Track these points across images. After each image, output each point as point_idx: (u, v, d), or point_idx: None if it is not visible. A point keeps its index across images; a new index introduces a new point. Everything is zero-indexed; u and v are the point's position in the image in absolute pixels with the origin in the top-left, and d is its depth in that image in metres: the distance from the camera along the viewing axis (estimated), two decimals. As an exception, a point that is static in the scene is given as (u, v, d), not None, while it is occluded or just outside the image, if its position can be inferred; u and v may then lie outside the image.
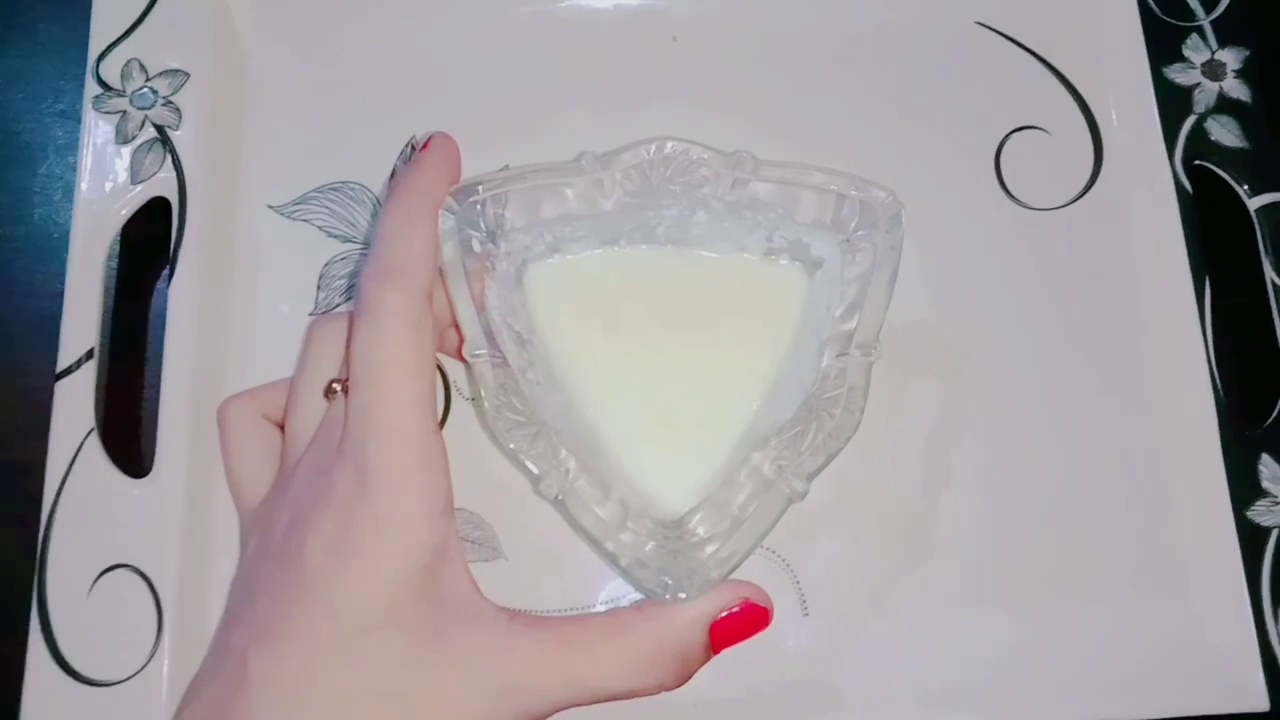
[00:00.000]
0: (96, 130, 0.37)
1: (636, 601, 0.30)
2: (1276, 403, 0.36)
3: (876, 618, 0.34)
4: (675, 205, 0.32)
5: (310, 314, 0.36)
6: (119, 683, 0.32)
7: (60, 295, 0.35)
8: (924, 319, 0.36)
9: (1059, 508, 0.35)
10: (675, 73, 0.39)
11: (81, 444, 0.34)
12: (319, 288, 0.37)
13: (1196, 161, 0.37)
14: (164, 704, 0.32)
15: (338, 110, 0.38)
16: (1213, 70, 0.38)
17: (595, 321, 0.33)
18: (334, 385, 0.30)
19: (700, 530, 0.29)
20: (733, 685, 0.32)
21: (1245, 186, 0.37)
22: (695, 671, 0.29)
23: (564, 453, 0.29)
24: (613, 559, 0.28)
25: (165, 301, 0.35)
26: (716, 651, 0.29)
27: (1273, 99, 0.38)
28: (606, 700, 0.28)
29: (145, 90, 0.37)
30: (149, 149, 0.37)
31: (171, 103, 0.37)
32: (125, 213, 0.36)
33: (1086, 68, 0.39)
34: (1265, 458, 0.35)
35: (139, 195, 0.36)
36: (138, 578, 0.33)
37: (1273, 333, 0.36)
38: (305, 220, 0.37)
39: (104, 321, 0.35)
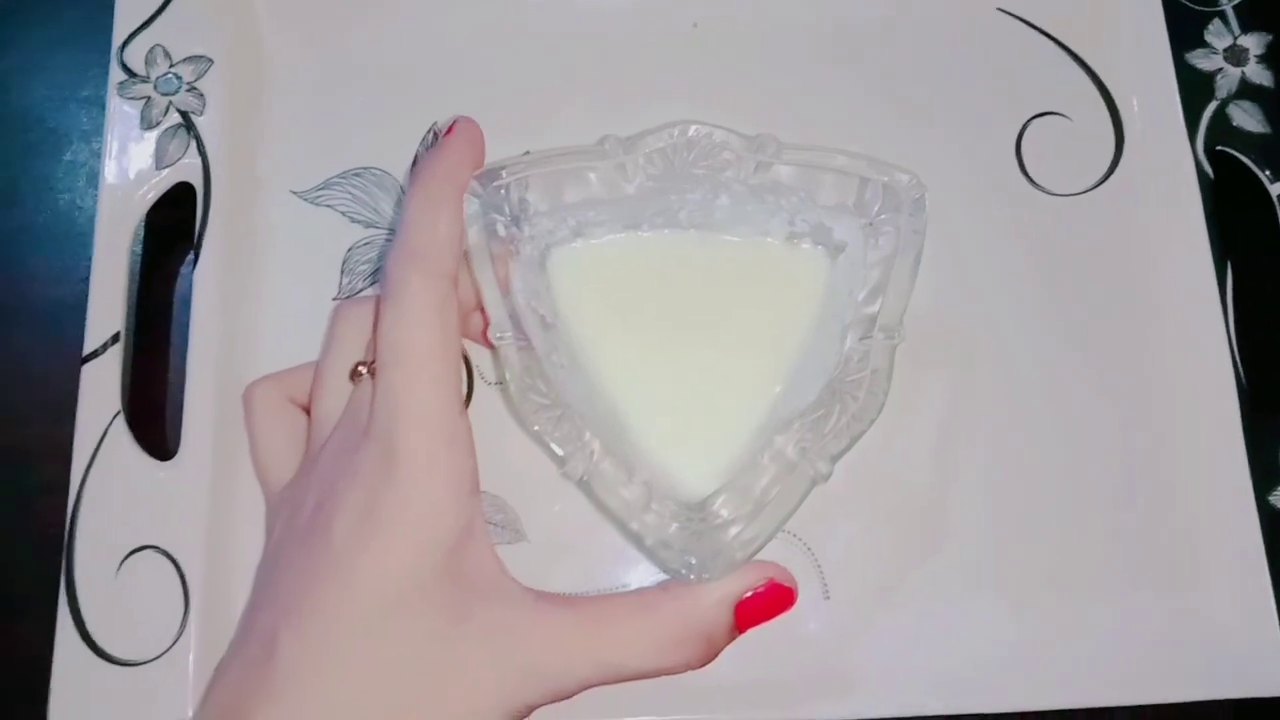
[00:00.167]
0: (121, 116, 0.37)
1: (661, 581, 0.30)
2: (1297, 389, 0.36)
3: (895, 602, 0.34)
4: (698, 189, 0.32)
5: (334, 299, 0.36)
6: (146, 663, 0.33)
7: (86, 280, 0.36)
8: (944, 303, 0.36)
9: (1080, 494, 0.35)
10: (696, 58, 0.39)
11: (108, 427, 0.34)
12: (343, 272, 0.37)
13: (1218, 147, 0.37)
14: (191, 683, 0.32)
15: (360, 96, 0.39)
16: (1235, 55, 0.38)
17: (618, 305, 0.33)
18: (360, 368, 0.30)
19: (724, 512, 0.29)
20: (755, 667, 0.32)
21: (1268, 172, 0.37)
22: (720, 651, 0.29)
23: (588, 435, 0.29)
24: (638, 540, 0.28)
25: (190, 286, 0.36)
26: (742, 631, 0.29)
27: (1295, 84, 0.38)
28: (632, 679, 0.28)
29: (169, 76, 0.37)
30: (173, 134, 0.37)
31: (195, 88, 0.37)
32: (150, 198, 0.36)
33: (1108, 54, 0.39)
34: (1287, 444, 0.35)
35: (164, 180, 0.36)
36: (164, 559, 0.33)
37: (1294, 319, 0.36)
38: (329, 206, 0.37)
39: (129, 306, 0.36)
